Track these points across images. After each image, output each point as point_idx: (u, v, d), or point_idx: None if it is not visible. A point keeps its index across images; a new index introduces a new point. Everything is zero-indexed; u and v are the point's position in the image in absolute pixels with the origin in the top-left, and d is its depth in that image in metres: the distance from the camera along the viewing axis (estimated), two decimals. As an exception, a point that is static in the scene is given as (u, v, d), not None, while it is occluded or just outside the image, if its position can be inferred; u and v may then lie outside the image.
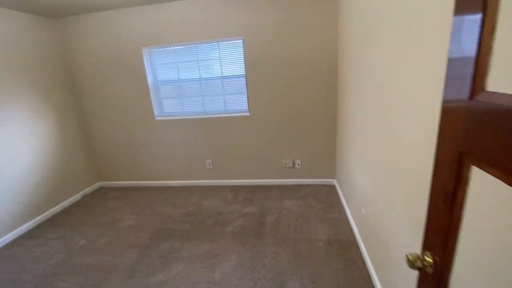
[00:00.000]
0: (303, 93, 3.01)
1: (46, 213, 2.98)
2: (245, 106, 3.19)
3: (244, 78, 3.08)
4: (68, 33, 3.22)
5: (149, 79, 3.24)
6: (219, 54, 3.06)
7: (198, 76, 3.17)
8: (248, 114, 3.18)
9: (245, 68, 3.02)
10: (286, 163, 3.27)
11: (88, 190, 3.57)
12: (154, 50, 3.15)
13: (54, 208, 3.08)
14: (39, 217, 2.90)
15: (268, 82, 3.03)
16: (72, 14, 3.09)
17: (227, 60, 3.07)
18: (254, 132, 3.23)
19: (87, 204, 3.27)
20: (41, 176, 2.95)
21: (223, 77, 3.12)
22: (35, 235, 2.67)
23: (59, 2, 2.61)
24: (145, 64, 3.17)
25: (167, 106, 3.38)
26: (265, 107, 3.12)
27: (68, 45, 3.26)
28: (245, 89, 3.12)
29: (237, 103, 3.22)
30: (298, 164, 3.26)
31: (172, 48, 3.10)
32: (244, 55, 2.98)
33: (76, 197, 3.37)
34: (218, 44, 3.02)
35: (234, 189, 3.36)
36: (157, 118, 3.36)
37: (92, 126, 3.54)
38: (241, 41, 2.95)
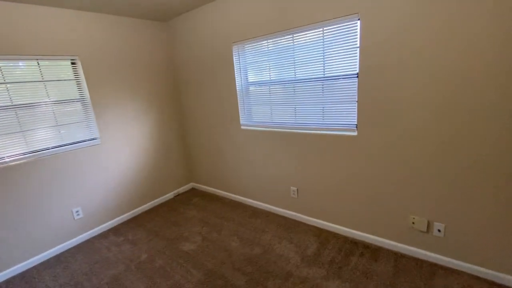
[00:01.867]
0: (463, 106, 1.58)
1: (140, 208, 3.16)
2: (352, 120, 2.11)
3: (355, 79, 2.00)
4: (172, 35, 3.22)
5: (238, 81, 2.76)
6: (323, 43, 2.10)
7: (293, 76, 2.36)
8: (355, 133, 2.08)
9: (359, 64, 1.94)
10: (414, 223, 1.93)
11: (181, 189, 3.64)
12: (246, 46, 2.60)
13: (148, 204, 3.25)
14: (133, 211, 3.10)
15: (393, 85, 1.81)
16: (176, 15, 3.00)
17: (332, 53, 2.07)
18: (362, 160, 2.10)
19: (172, 207, 3.26)
20: (140, 173, 3.13)
21: (325, 78, 2.16)
22: (121, 231, 2.81)
23: (157, 4, 2.51)
24: (234, 63, 2.70)
25: (255, 114, 2.78)
26: (386, 125, 1.91)
27: (172, 46, 3.27)
28: (355, 96, 2.03)
29: (341, 116, 2.17)
30: (439, 230, 1.84)
31: (265, 42, 2.43)
32: (360, 42, 1.89)
33: (169, 195, 3.49)
34: (323, 31, 2.06)
35: (322, 235, 2.38)
36: (242, 127, 2.87)
37: (189, 127, 3.52)
38: (357, 21, 1.88)
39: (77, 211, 2.63)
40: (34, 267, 2.34)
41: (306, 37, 2.17)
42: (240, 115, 2.84)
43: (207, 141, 3.34)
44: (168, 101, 3.37)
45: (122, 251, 2.47)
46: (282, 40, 2.34)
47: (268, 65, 2.51)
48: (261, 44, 2.48)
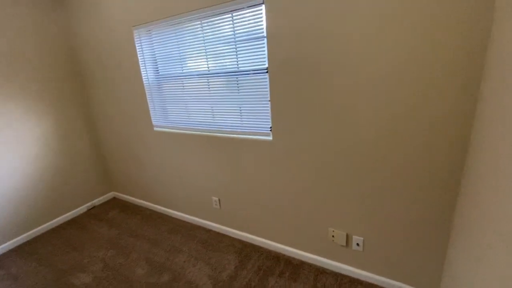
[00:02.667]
0: (383, 109, 1.37)
1: (36, 229, 2.58)
2: (267, 123, 1.81)
3: (266, 75, 1.71)
4: (69, 19, 2.62)
5: (144, 74, 2.30)
6: (233, 31, 1.75)
7: (207, 70, 1.98)
8: (270, 138, 1.80)
9: (267, 58, 1.64)
10: (334, 236, 1.74)
11: (97, 201, 3.09)
12: (152, 33, 2.13)
13: (48, 224, 2.67)
14: (25, 234, 2.51)
15: (308, 85, 1.55)
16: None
17: (243, 44, 1.74)
18: (279, 169, 1.83)
19: (82, 224, 2.72)
20: (35, 186, 2.53)
21: (239, 73, 1.83)
22: (3, 263, 2.23)
23: None
24: (138, 52, 2.23)
25: (170, 114, 2.35)
26: (301, 130, 1.66)
27: (70, 32, 2.68)
28: (268, 94, 1.74)
29: (257, 118, 1.87)
30: (358, 244, 1.67)
31: (172, 28, 1.99)
32: (266, 32, 1.59)
33: (82, 208, 2.92)
34: (232, 17, 1.71)
35: (244, 250, 2.11)
36: (155, 128, 2.44)
37: (102, 128, 2.96)
38: (262, 5, 1.57)
39: None
40: None
41: (215, 24, 1.80)
42: (151, 114, 2.40)
43: (122, 145, 2.85)
44: (70, 97, 2.74)
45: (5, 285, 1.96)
46: (190, 27, 1.93)
47: (178, 56, 2.09)
48: (167, 30, 2.04)
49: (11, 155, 2.35)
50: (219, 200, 2.26)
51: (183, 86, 2.16)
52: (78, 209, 2.91)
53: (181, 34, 2.00)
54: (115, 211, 2.93)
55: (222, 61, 1.88)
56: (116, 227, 2.61)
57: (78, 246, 2.36)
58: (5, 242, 2.39)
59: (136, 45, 2.23)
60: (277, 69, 1.62)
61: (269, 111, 1.75)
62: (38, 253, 2.32)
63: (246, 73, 1.79)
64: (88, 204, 3.00)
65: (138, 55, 2.25)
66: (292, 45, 1.52)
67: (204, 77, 2.01)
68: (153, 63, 2.26)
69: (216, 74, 1.94)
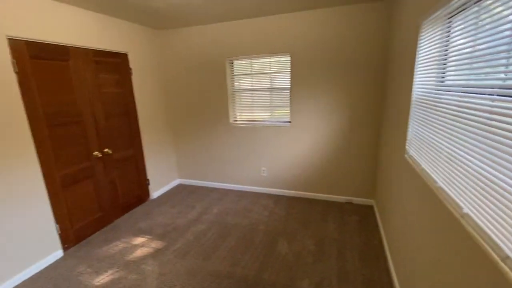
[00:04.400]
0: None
1: (304, 192, 3.68)
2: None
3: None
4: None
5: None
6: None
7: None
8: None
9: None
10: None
11: (355, 199, 3.41)
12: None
13: (314, 194, 3.63)
14: (304, 193, 3.69)
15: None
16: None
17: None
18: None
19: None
20: (317, 164, 3.88)
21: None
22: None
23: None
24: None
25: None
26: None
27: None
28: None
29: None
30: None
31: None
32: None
33: (340, 198, 3.48)
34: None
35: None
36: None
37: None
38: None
39: (263, 170, 3.73)
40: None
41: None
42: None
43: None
44: (370, 100, 3.05)
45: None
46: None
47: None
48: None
49: (308, 136, 3.39)
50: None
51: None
52: (339, 197, 3.46)
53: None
54: (358, 217, 3.44)
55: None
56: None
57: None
58: (292, 190, 3.69)
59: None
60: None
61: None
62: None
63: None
64: (348, 198, 3.42)
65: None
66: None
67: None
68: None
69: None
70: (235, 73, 3.68)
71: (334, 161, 3.42)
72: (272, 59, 3.44)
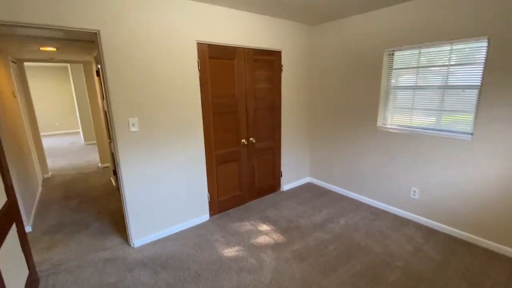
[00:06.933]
0: None
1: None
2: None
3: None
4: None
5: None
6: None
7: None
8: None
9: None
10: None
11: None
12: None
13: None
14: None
15: None
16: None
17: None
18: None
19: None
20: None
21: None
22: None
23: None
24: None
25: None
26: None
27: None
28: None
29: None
30: None
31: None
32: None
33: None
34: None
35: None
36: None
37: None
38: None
39: (414, 191, 2.89)
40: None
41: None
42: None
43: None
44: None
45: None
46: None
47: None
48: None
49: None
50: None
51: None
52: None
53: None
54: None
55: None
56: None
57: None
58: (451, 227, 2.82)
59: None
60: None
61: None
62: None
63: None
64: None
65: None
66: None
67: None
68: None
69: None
70: (393, 67, 3.05)
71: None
72: (454, 47, 2.55)
